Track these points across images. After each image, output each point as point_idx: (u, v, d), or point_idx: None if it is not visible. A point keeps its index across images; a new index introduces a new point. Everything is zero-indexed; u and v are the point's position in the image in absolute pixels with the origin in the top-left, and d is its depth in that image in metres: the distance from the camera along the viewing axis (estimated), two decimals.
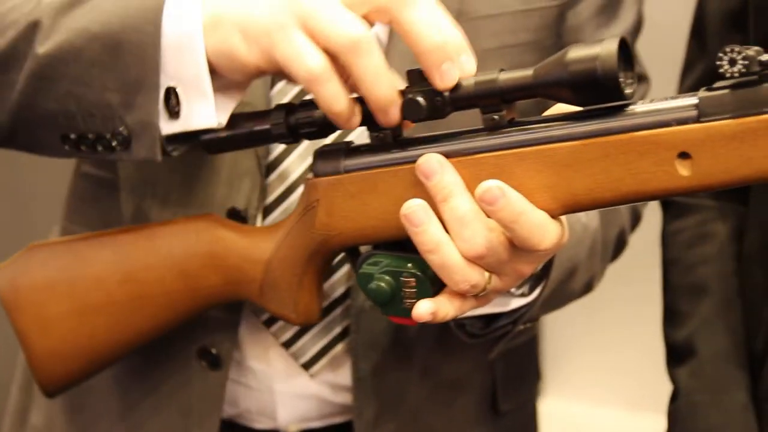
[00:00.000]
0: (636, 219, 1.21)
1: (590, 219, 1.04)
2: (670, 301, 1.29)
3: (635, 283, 1.84)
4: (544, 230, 0.80)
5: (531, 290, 0.97)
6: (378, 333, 1.05)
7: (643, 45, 1.22)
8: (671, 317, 1.29)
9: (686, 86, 1.30)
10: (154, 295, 0.91)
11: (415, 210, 0.80)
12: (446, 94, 0.81)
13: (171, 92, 0.86)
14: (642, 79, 1.19)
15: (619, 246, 1.17)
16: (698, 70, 1.29)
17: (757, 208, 1.24)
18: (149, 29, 0.86)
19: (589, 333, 2.19)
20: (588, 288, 1.10)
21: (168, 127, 0.87)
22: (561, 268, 0.97)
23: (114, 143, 0.89)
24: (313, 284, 0.90)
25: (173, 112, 0.87)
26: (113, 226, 1.01)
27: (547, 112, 0.83)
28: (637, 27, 1.17)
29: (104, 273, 0.92)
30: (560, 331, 2.19)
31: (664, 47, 1.46)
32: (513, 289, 0.95)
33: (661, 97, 0.79)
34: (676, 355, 1.25)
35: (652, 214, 1.30)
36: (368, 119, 0.84)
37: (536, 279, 0.97)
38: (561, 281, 0.99)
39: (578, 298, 1.10)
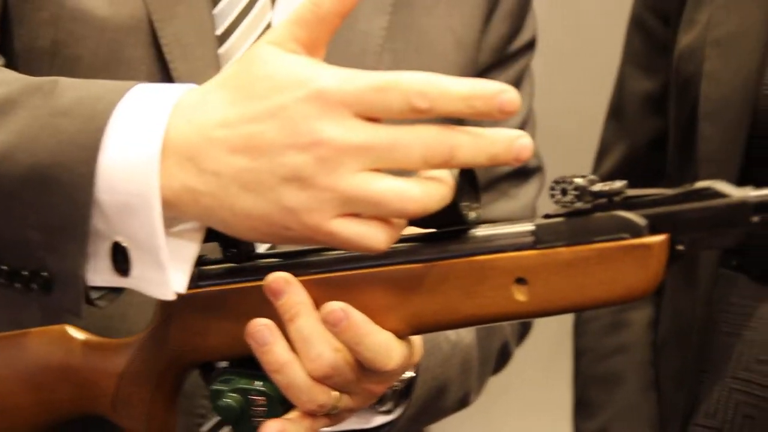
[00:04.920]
0: (525, 328, 1.24)
1: (462, 336, 1.08)
2: (582, 391, 1.32)
3: (542, 376, 1.85)
4: (389, 351, 0.84)
5: (395, 407, 1.00)
6: None
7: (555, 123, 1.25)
8: (583, 408, 1.32)
9: (603, 170, 1.34)
10: (7, 409, 0.93)
11: (260, 329, 0.84)
12: None
13: (118, 248, 0.80)
14: (536, 170, 1.23)
15: (502, 358, 1.21)
16: (616, 154, 1.33)
17: (670, 296, 1.28)
18: (82, 170, 0.77)
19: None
20: (463, 404, 1.14)
21: (112, 280, 0.82)
22: (426, 387, 1.01)
23: (32, 284, 0.81)
24: (167, 401, 0.93)
25: (121, 270, 0.81)
26: None
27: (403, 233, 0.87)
28: (532, 119, 1.23)
29: None
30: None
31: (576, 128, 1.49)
32: (377, 406, 0.98)
33: (501, 222, 0.82)
34: None
35: None
36: (219, 235, 0.87)
37: (401, 396, 1.00)
38: (428, 399, 1.03)
39: (452, 414, 1.13)
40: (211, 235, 0.88)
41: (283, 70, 0.77)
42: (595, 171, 1.35)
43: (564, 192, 0.79)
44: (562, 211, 0.80)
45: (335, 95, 0.75)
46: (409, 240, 0.84)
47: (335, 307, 0.83)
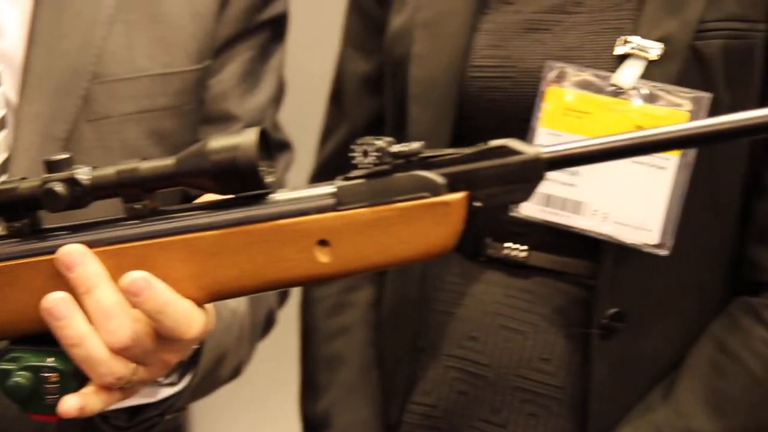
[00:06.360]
0: (284, 296, 1.28)
1: (239, 303, 1.10)
2: (308, 373, 1.34)
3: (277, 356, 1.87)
4: (190, 319, 0.85)
5: (180, 379, 1.00)
6: (10, 421, 1.03)
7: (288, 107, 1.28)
8: (309, 390, 1.34)
9: (326, 152, 1.37)
10: None
11: (57, 303, 0.83)
12: (86, 183, 0.84)
13: None
14: (284, 147, 1.26)
15: (267, 326, 1.23)
16: (338, 136, 1.35)
17: (390, 276, 1.33)
18: None
19: (234, 409, 2.19)
20: (236, 373, 1.16)
21: None
22: (210, 355, 1.02)
23: None
24: None
25: None
26: None
27: (197, 201, 0.88)
28: (279, 94, 1.25)
29: None
30: (206, 412, 2.18)
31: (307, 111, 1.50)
32: (161, 379, 0.98)
33: (302, 184, 0.85)
34: (313, 429, 1.31)
35: None
36: (2, 208, 0.85)
37: (185, 367, 1.00)
38: (211, 368, 1.04)
39: (226, 383, 1.15)
40: None
41: None
42: (318, 154, 1.37)
43: (365, 154, 0.83)
44: (362, 172, 0.83)
45: None
46: (208, 207, 0.85)
47: (137, 276, 0.83)
